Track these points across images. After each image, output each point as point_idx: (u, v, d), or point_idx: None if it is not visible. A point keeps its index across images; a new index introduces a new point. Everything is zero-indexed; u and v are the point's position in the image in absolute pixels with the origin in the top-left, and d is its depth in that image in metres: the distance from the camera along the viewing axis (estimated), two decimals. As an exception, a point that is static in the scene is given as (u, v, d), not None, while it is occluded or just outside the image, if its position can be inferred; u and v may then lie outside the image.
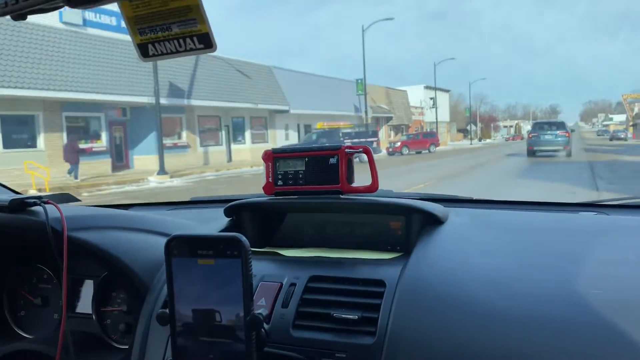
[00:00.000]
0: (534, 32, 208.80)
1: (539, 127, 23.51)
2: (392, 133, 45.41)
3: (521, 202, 1.51)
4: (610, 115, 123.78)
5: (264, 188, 1.28)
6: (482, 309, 0.90)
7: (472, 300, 0.92)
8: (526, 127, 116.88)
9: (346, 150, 1.21)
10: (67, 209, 1.23)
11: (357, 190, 1.22)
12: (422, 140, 36.13)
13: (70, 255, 1.16)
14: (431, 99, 53.93)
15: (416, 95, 53.39)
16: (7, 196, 1.23)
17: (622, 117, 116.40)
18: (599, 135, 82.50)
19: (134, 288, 1.21)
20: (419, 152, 34.36)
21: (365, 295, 1.02)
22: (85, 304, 1.34)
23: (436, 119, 51.27)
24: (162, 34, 0.71)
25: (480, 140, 69.59)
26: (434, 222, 1.19)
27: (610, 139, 49.17)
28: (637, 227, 1.23)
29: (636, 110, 71.75)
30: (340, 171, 1.20)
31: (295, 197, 1.26)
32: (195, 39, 0.70)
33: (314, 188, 1.23)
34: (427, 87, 54.55)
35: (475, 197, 1.59)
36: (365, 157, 1.26)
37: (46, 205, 1.17)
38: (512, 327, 0.87)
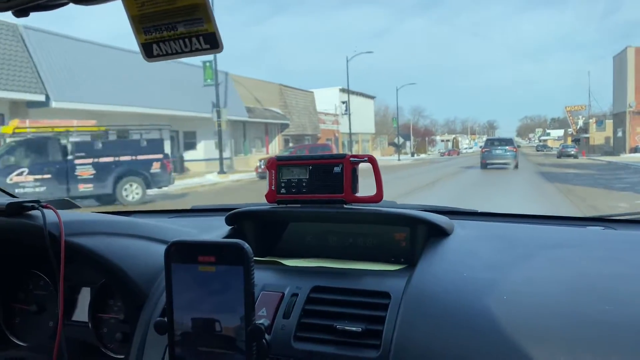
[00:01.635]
0: (469, 52, 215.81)
1: (490, 143, 27.20)
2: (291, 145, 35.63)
3: (527, 216, 1.51)
4: (548, 131, 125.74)
5: (266, 196, 1.26)
6: (488, 323, 0.89)
7: (478, 314, 0.91)
8: (464, 141, 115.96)
9: (351, 159, 1.20)
10: (66, 214, 1.21)
11: (361, 200, 1.21)
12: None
13: (68, 261, 1.13)
14: (343, 102, 44.12)
15: (329, 98, 43.42)
16: (5, 199, 1.20)
17: (559, 132, 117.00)
18: (538, 150, 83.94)
19: (131, 296, 1.18)
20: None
21: (370, 307, 1.00)
22: (81, 312, 1.31)
23: (349, 128, 40.82)
24: (167, 33, 0.70)
25: (413, 155, 63.79)
26: (439, 233, 1.18)
27: (559, 156, 43.69)
28: None
29: (580, 123, 68.54)
30: (344, 180, 1.19)
31: (298, 205, 1.24)
32: (201, 38, 0.68)
33: (317, 197, 1.21)
34: (343, 90, 43.46)
35: (480, 210, 1.58)
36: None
37: (44, 210, 1.14)
38: (518, 342, 0.85)
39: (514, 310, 0.91)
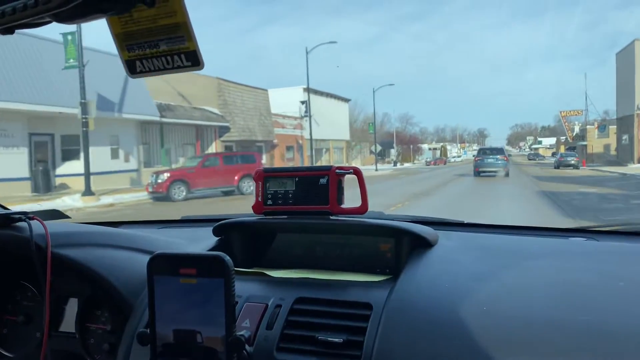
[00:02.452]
0: (459, 62, 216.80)
1: (483, 152, 28.69)
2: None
3: (512, 227, 1.52)
4: (539, 139, 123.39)
5: (253, 207, 1.27)
6: (468, 333, 0.90)
7: (460, 325, 0.91)
8: (454, 149, 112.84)
9: (336, 171, 1.21)
10: (53, 225, 1.22)
11: (347, 212, 1.22)
12: (228, 169, 18.68)
13: (55, 273, 1.14)
14: (302, 102, 36.69)
15: (291, 99, 36.86)
16: None
17: (551, 140, 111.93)
18: (530, 159, 79.97)
19: (118, 307, 1.18)
20: (227, 192, 18.79)
21: (352, 318, 1.00)
22: (69, 323, 1.31)
23: (310, 134, 32.64)
24: (149, 50, 0.71)
25: (395, 164, 59.20)
26: (423, 244, 1.19)
27: (557, 167, 37.99)
28: (627, 254, 1.23)
29: (576, 129, 61.65)
30: (330, 192, 1.20)
31: (285, 217, 1.25)
32: (182, 56, 0.70)
33: (303, 208, 1.22)
34: (311, 90, 36.48)
35: (466, 221, 1.59)
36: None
37: (31, 221, 1.15)
38: (497, 352, 0.86)
39: (494, 320, 0.92)
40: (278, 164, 31.98)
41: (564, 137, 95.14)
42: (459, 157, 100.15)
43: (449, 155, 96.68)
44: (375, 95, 47.44)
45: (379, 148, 46.11)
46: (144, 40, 0.70)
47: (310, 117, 34.13)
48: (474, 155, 32.36)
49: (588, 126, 53.84)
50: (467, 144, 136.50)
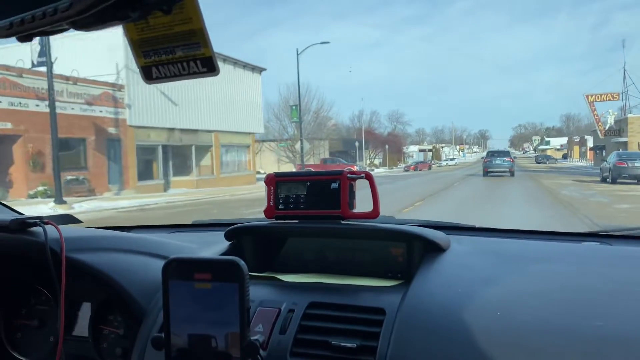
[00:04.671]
0: (460, 65, 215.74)
1: (490, 154, 31.52)
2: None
3: (524, 231, 1.52)
4: (547, 139, 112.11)
5: (265, 212, 1.28)
6: (483, 339, 0.89)
7: (472, 330, 0.91)
8: (453, 151, 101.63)
9: (348, 175, 1.21)
10: (67, 230, 1.23)
11: (359, 216, 1.22)
12: None
13: (69, 277, 1.15)
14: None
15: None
16: (9, 216, 1.23)
17: (561, 140, 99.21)
18: (538, 162, 67.69)
19: (131, 311, 1.19)
20: None
21: (365, 323, 1.00)
22: (82, 327, 1.32)
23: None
24: (165, 57, 0.71)
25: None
26: (435, 249, 1.19)
27: (610, 180, 20.23)
28: None
29: (610, 121, 42.40)
30: (341, 196, 1.20)
31: (296, 221, 1.26)
32: (198, 62, 0.70)
33: (315, 213, 1.23)
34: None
35: (478, 225, 1.58)
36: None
37: (46, 226, 1.17)
38: (514, 358, 0.86)
39: (507, 325, 0.92)
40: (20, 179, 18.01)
41: (577, 137, 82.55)
42: (452, 160, 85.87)
43: (444, 158, 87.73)
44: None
45: (307, 146, 34.51)
46: (160, 46, 0.71)
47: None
48: (482, 157, 35.82)
49: (630, 115, 38.64)
50: (467, 146, 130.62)
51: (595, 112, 43.69)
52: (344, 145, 52.27)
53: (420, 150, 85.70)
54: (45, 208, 13.82)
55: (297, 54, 29.48)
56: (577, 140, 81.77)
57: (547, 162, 66.16)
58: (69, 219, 1.60)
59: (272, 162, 39.38)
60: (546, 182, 22.31)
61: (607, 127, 42.44)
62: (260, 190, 19.80)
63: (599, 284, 1.05)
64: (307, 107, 42.57)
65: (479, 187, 21.30)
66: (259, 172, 42.09)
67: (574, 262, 1.19)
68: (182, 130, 25.26)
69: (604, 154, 36.89)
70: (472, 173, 34.60)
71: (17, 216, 1.23)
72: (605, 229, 1.56)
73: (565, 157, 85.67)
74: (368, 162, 54.96)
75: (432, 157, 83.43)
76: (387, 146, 61.70)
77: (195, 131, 26.31)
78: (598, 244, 1.36)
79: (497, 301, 0.99)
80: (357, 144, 50.52)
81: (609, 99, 43.43)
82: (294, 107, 35.56)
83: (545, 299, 0.99)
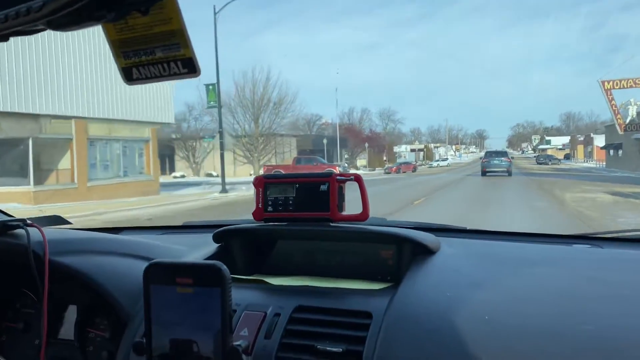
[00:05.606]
0: (457, 65, 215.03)
1: (489, 154, 32.41)
2: None
3: (515, 233, 1.51)
4: (548, 138, 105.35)
5: (253, 214, 1.27)
6: (471, 343, 0.89)
7: (460, 335, 0.90)
8: (448, 151, 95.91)
9: (337, 177, 1.21)
10: (51, 232, 1.22)
11: (348, 219, 1.22)
12: None
13: (53, 280, 1.14)
14: None
15: None
16: None
17: (563, 139, 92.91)
18: (540, 163, 59.45)
19: (117, 314, 1.18)
20: None
21: (351, 327, 0.99)
22: (68, 330, 1.30)
23: None
24: (145, 57, 0.70)
25: None
26: (424, 252, 1.18)
27: None
28: (632, 261, 1.22)
29: (632, 112, 34.18)
30: (330, 199, 1.19)
31: (285, 223, 1.25)
32: (179, 63, 0.69)
33: (304, 215, 1.22)
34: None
35: (468, 227, 1.58)
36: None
37: (29, 228, 1.15)
38: None
39: (496, 330, 0.91)
40: None
41: (582, 136, 74.48)
42: (444, 160, 76.66)
43: (437, 157, 79.51)
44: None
45: (229, 142, 26.87)
46: (139, 47, 0.70)
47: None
48: (480, 157, 36.46)
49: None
50: (464, 146, 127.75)
51: (613, 103, 33.03)
52: (313, 143, 44.99)
53: (412, 150, 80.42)
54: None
55: (215, 13, 21.47)
56: (582, 139, 75.92)
57: (550, 163, 58.32)
58: (58, 220, 1.59)
59: (228, 163, 29.89)
60: (566, 194, 15.38)
61: (627, 121, 33.94)
62: (173, 204, 15.98)
63: (589, 287, 1.04)
64: (264, 97, 36.20)
65: (461, 205, 13.95)
66: (210, 175, 38.65)
67: (564, 265, 1.18)
68: (5, 115, 15.51)
69: (619, 153, 31.75)
70: (461, 177, 29.78)
71: (0, 218, 1.22)
72: (596, 232, 1.54)
73: (567, 157, 78.53)
74: (345, 162, 46.55)
75: (423, 157, 78.47)
76: (366, 144, 54.35)
77: (35, 117, 16.62)
78: (588, 246, 1.35)
79: (485, 305, 0.98)
80: (325, 140, 43.37)
81: (631, 86, 32.43)
82: (210, 87, 24.56)
83: (534, 303, 0.98)
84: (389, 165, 51.26)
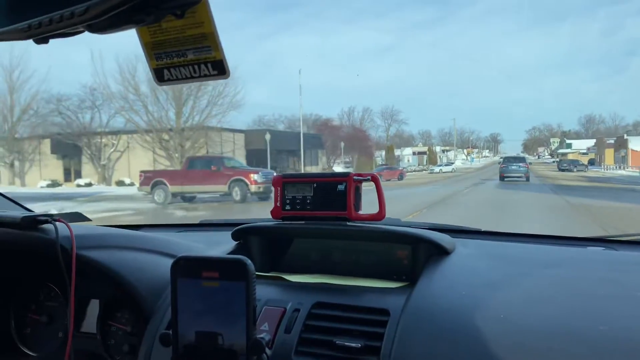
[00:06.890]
0: (469, 70, 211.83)
1: (507, 160, 32.56)
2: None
3: (529, 235, 1.52)
4: (569, 141, 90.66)
5: (271, 212, 1.29)
6: (487, 341, 0.90)
7: (476, 332, 0.92)
8: (460, 155, 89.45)
9: (354, 177, 1.23)
10: (78, 227, 1.25)
11: (364, 218, 1.24)
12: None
13: (79, 274, 1.17)
14: None
15: None
16: (19, 213, 1.25)
17: (588, 142, 79.06)
18: (562, 169, 46.88)
19: (139, 308, 1.21)
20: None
21: (369, 324, 1.01)
22: (90, 323, 1.34)
23: None
24: (177, 59, 0.73)
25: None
26: (440, 252, 1.20)
27: None
28: None
29: None
30: (347, 198, 1.22)
31: (303, 222, 1.27)
32: (209, 65, 0.72)
33: (321, 214, 1.24)
34: None
35: (483, 229, 1.59)
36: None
37: (57, 223, 1.18)
38: None
39: (511, 329, 0.92)
40: None
41: (612, 139, 60.89)
42: (449, 164, 62.23)
43: (445, 162, 67.21)
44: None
45: (142, 139, 23.51)
46: (172, 49, 0.73)
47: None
48: (499, 162, 36.54)
49: None
50: (477, 150, 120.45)
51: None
52: (289, 142, 36.18)
53: (414, 153, 72.89)
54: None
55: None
56: (611, 141, 62.32)
57: (575, 170, 46.74)
58: (78, 217, 1.62)
59: (147, 164, 26.09)
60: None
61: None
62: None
63: (603, 288, 1.05)
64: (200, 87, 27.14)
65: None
66: (122, 183, 28.50)
67: (579, 266, 1.19)
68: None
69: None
70: (459, 190, 20.01)
71: (27, 213, 1.25)
72: (611, 235, 1.55)
73: (592, 162, 62.78)
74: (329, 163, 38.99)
75: (427, 161, 68.49)
76: (342, 143, 44.45)
77: None
78: (603, 249, 1.36)
79: (500, 305, 0.99)
80: (267, 136, 29.09)
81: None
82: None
83: (549, 303, 0.99)
84: (388, 167, 41.91)
